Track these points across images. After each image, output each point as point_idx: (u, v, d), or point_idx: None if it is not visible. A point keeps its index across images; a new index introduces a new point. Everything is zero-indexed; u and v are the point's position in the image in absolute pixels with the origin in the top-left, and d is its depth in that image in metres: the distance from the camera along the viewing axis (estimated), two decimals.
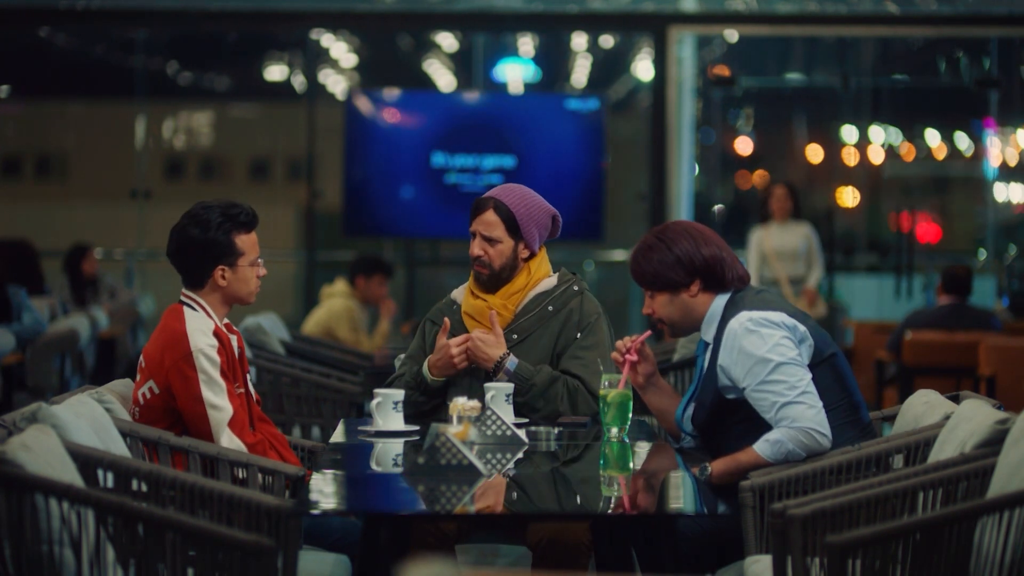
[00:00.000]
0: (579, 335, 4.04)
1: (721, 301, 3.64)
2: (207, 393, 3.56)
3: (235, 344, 3.72)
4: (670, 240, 3.66)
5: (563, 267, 4.22)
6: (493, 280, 4.09)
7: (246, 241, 3.71)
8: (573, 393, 3.97)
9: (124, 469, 3.05)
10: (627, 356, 3.75)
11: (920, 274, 11.73)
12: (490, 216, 4.08)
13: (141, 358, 3.67)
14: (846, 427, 3.53)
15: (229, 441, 3.55)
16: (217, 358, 3.59)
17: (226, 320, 3.75)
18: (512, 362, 3.97)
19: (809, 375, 3.48)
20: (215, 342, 3.60)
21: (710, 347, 3.64)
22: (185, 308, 3.66)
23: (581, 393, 3.97)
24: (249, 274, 3.72)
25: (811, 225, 9.52)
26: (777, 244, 9.41)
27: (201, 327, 3.62)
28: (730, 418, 3.57)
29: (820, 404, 3.45)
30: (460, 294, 4.19)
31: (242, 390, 3.69)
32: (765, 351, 3.47)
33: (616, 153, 11.42)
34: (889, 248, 12.26)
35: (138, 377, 3.66)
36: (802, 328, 3.53)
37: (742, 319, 3.53)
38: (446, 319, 4.07)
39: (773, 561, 2.96)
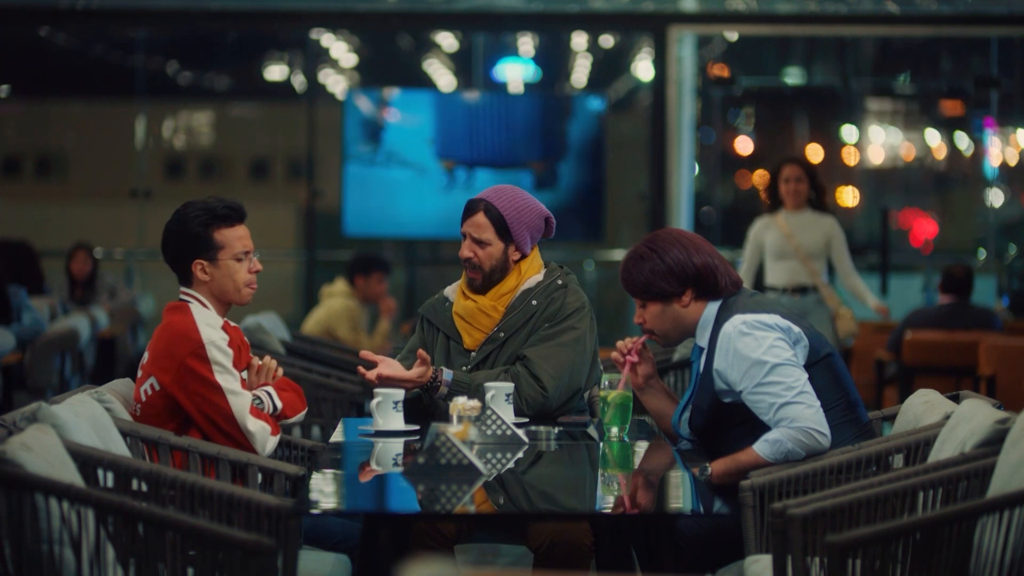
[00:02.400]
0: (547, 325, 4.04)
1: (714, 307, 3.64)
2: (224, 381, 3.55)
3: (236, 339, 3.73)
4: (661, 249, 3.64)
5: (552, 262, 4.21)
6: (484, 282, 4.09)
7: (228, 235, 3.67)
8: (516, 379, 3.96)
9: (124, 469, 3.05)
10: (627, 357, 3.75)
11: (918, 273, 11.73)
12: (480, 219, 4.07)
13: (145, 354, 3.66)
14: (844, 426, 3.53)
15: (254, 425, 3.55)
16: (229, 351, 3.59)
17: (225, 318, 3.75)
18: (448, 374, 3.97)
19: (805, 375, 3.48)
20: (225, 336, 3.61)
21: (704, 351, 3.63)
22: (191, 304, 3.66)
23: (523, 378, 3.96)
24: (233, 268, 3.67)
25: (837, 220, 7.43)
26: (781, 240, 7.30)
27: (210, 321, 3.62)
28: (728, 422, 3.57)
29: (818, 404, 3.45)
30: (453, 291, 4.19)
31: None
32: (760, 353, 3.46)
33: (616, 153, 11.42)
34: (866, 248, 12.22)
35: (139, 374, 3.65)
36: (796, 329, 3.52)
37: (735, 322, 3.52)
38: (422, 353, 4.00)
39: (773, 561, 2.96)
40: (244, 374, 3.78)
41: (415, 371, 3.96)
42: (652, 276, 3.63)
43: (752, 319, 3.51)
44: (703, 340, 3.64)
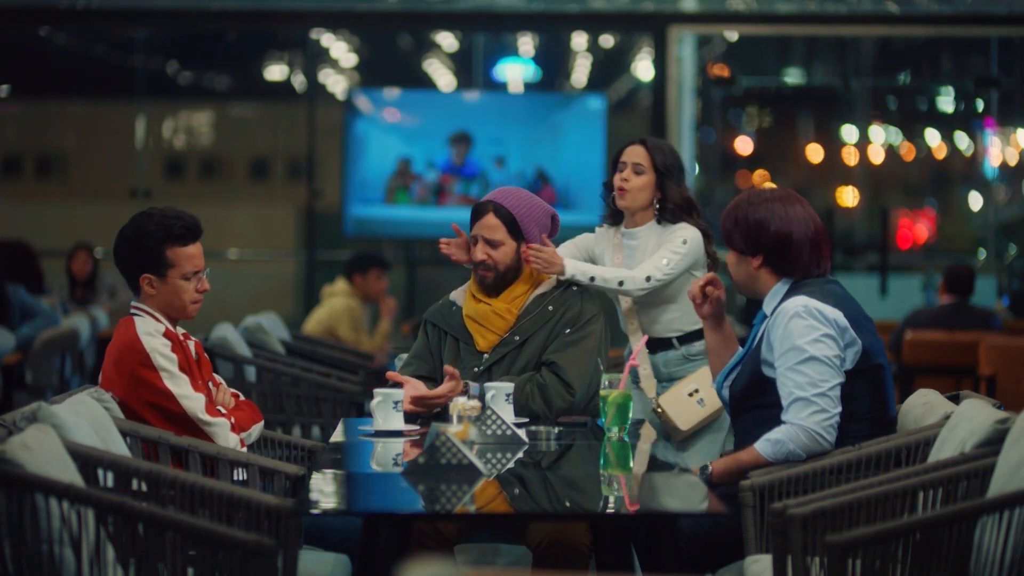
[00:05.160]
0: (568, 331, 4.04)
1: (785, 285, 3.57)
2: (173, 387, 3.57)
3: (192, 350, 3.73)
4: (754, 205, 3.56)
5: None
6: (497, 283, 4.10)
7: (180, 254, 3.68)
8: (543, 388, 3.96)
9: (124, 469, 3.05)
10: (709, 294, 3.70)
11: (918, 273, 11.74)
12: (491, 220, 4.08)
13: (101, 372, 3.68)
14: (872, 439, 3.48)
15: (212, 421, 3.59)
16: (173, 355, 3.60)
17: (183, 330, 3.75)
18: (475, 388, 3.97)
19: (839, 380, 3.43)
20: (167, 341, 3.62)
21: (766, 320, 3.58)
22: (135, 317, 3.68)
23: (552, 386, 3.96)
24: (180, 287, 3.68)
25: (694, 231, 4.40)
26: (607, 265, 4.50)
27: (149, 330, 3.63)
28: (762, 398, 3.51)
29: (835, 410, 3.41)
30: (460, 296, 4.19)
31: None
32: (804, 341, 3.42)
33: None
34: (864, 248, 12.20)
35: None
36: (852, 334, 3.45)
37: (798, 302, 3.47)
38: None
39: (773, 561, 2.96)
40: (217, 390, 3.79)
41: (445, 387, 3.95)
42: (733, 226, 3.58)
43: (814, 306, 3.45)
44: (769, 308, 3.57)
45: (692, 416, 4.23)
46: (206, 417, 3.59)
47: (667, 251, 4.33)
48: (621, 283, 4.27)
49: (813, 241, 3.56)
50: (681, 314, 4.41)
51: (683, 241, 4.34)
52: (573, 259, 4.25)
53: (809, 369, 3.41)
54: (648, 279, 4.28)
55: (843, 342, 3.44)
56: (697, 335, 4.39)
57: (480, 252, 4.08)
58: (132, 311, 3.71)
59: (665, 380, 4.38)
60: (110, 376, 3.62)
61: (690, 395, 4.24)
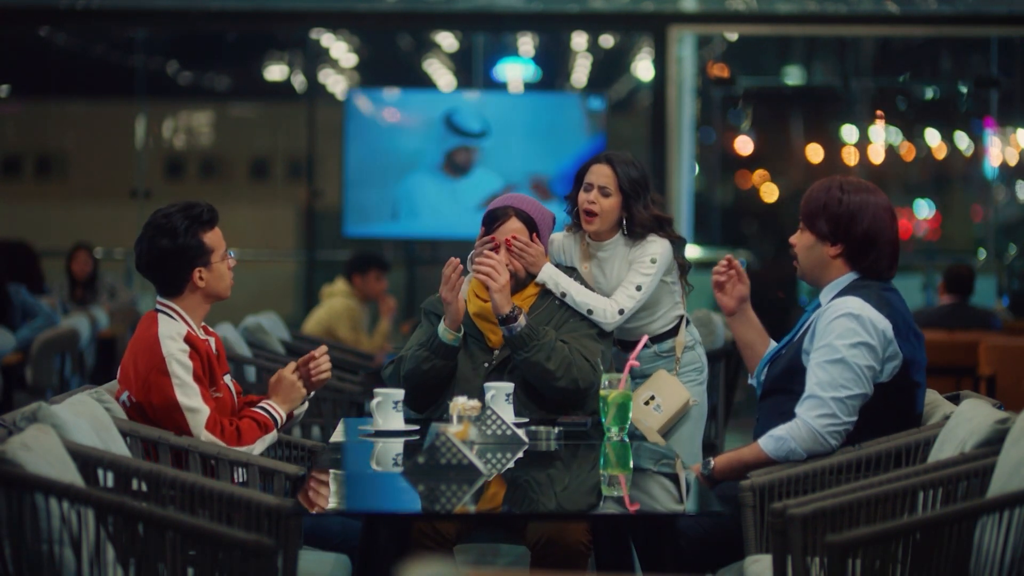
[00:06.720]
0: (571, 320, 4.07)
1: (851, 278, 3.55)
2: (181, 397, 3.57)
3: (213, 346, 3.73)
4: (848, 193, 3.52)
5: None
6: (518, 287, 4.12)
7: (213, 238, 3.73)
8: (571, 353, 3.99)
9: (124, 469, 3.05)
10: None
11: (918, 273, 11.74)
12: (515, 224, 4.11)
13: (120, 367, 3.68)
14: None
15: (206, 441, 3.58)
16: (189, 363, 3.60)
17: (202, 323, 3.76)
18: (524, 316, 4.00)
19: (863, 391, 3.41)
20: (186, 347, 3.62)
21: (820, 309, 3.57)
22: (160, 315, 3.68)
23: (576, 354, 3.99)
24: (223, 269, 3.75)
25: (662, 244, 4.30)
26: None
27: (172, 333, 3.63)
28: (795, 386, 3.50)
29: (847, 419, 3.40)
30: (463, 290, 4.19)
31: (219, 394, 3.69)
32: (841, 342, 3.41)
33: None
34: None
35: (117, 386, 3.67)
36: (895, 348, 3.43)
37: (852, 304, 3.44)
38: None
39: (773, 561, 2.96)
40: (227, 378, 3.79)
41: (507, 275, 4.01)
42: (820, 209, 3.54)
43: (866, 314, 3.42)
44: (826, 299, 3.55)
45: (654, 424, 4.23)
46: (203, 437, 3.57)
47: (637, 274, 4.24)
48: (590, 312, 4.12)
49: (895, 245, 3.55)
50: (653, 320, 4.38)
51: (652, 260, 4.25)
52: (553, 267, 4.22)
53: (835, 370, 3.40)
54: (621, 312, 4.17)
55: (883, 355, 3.42)
56: (667, 335, 4.40)
57: (504, 258, 4.09)
58: (158, 307, 3.71)
59: (639, 377, 4.37)
60: (127, 374, 3.62)
61: (646, 403, 4.26)
